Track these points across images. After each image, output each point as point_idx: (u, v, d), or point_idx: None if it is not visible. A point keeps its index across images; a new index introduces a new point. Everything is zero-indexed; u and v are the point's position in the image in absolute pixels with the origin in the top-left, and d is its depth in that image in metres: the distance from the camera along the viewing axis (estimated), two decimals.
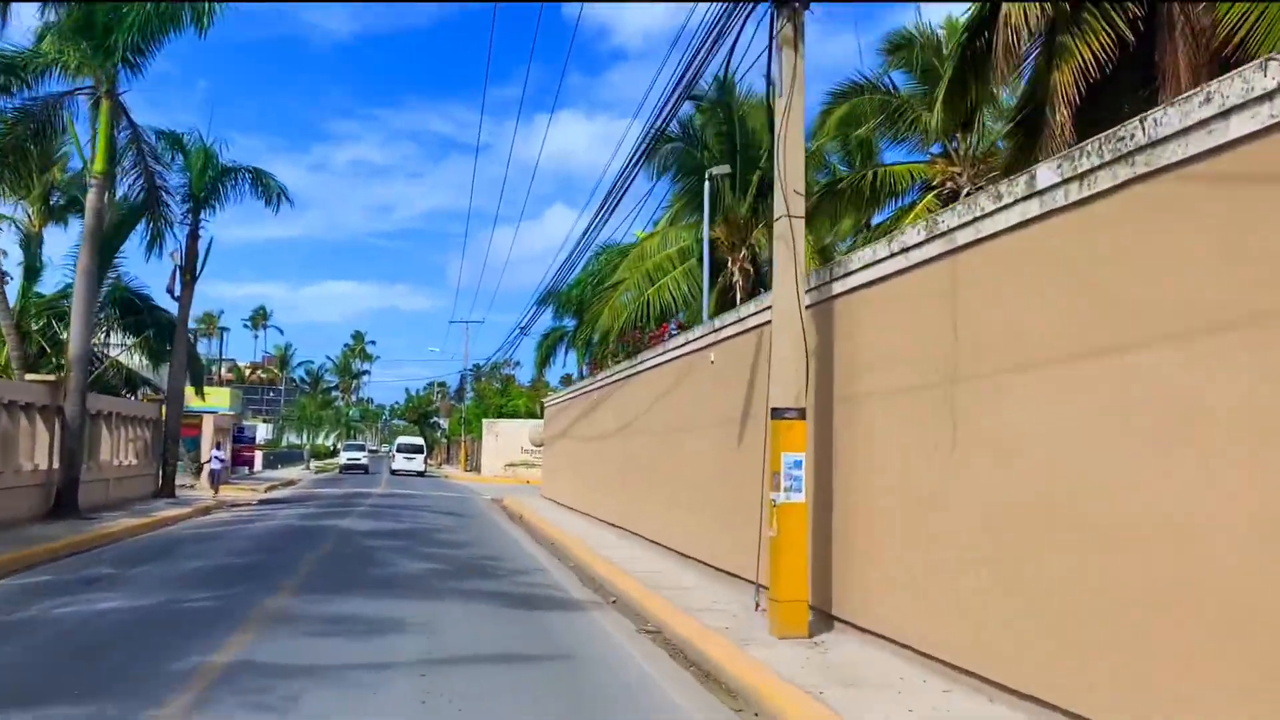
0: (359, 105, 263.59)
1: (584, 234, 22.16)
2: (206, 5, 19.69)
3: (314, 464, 70.64)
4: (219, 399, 44.68)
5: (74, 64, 19.39)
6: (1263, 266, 4.90)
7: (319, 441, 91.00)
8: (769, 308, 11.71)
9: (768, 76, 9.69)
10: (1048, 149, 11.37)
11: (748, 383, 12.54)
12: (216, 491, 29.24)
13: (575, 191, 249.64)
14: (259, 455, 55.98)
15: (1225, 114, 5.09)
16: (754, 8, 10.21)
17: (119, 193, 24.48)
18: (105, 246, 24.07)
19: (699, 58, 11.96)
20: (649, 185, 27.37)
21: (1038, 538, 6.48)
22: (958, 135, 23.34)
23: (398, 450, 63.50)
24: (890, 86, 24.05)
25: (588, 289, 43.81)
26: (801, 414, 9.27)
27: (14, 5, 19.75)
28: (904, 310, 8.47)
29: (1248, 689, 4.85)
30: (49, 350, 26.35)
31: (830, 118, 25.16)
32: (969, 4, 16.54)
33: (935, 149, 24.14)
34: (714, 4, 11.60)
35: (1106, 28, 12.20)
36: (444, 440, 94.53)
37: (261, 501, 30.63)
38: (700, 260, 25.88)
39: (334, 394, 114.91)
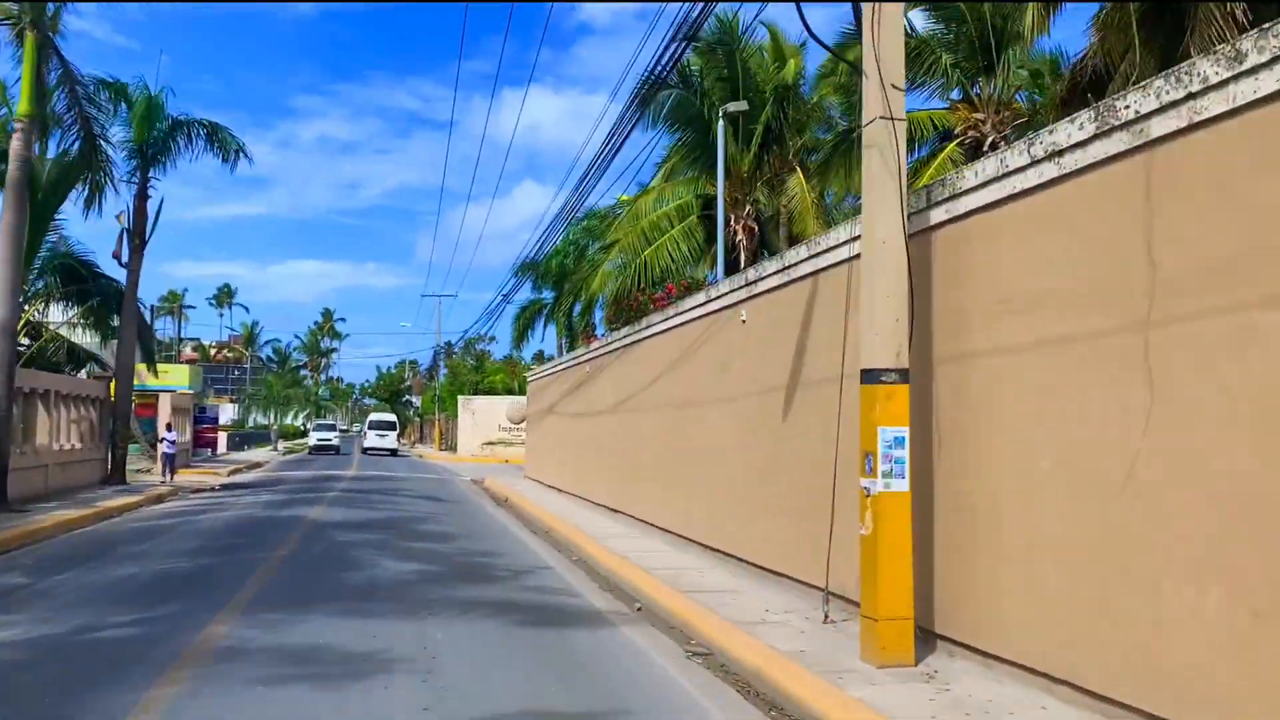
0: (324, 81, 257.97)
1: (580, 181, 19.85)
2: None
3: (282, 445, 67.84)
4: (178, 377, 41.99)
5: None
6: None
7: (287, 421, 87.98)
8: (826, 250, 9.61)
9: None
10: (1203, 37, 9.23)
11: (796, 344, 10.40)
12: (170, 476, 26.76)
13: (543, 168, 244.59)
14: (223, 436, 53.21)
15: None
16: None
17: (56, 147, 21.92)
18: (41, 206, 21.50)
19: None
20: (637, 150, 25.21)
21: None
22: (979, 80, 21.43)
23: (370, 427, 61.93)
24: (908, 27, 22.03)
25: (569, 258, 41.62)
26: (904, 377, 7.14)
27: None
28: (1054, 235, 6.34)
29: None
30: None
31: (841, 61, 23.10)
32: None
33: (955, 94, 22.23)
34: None
35: None
36: (417, 419, 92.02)
37: (223, 486, 28.23)
38: (701, 218, 23.70)
39: (303, 373, 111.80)
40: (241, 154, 26.33)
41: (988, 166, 7.10)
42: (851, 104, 26.53)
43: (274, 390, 79.91)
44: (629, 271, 22.77)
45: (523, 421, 50.11)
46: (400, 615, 8.91)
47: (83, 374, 28.72)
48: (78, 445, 23.94)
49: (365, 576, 11.17)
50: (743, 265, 21.24)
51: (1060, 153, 6.23)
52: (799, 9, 7.69)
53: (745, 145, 23.61)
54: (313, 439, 64.36)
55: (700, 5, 13.11)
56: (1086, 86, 15.66)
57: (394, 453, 58.23)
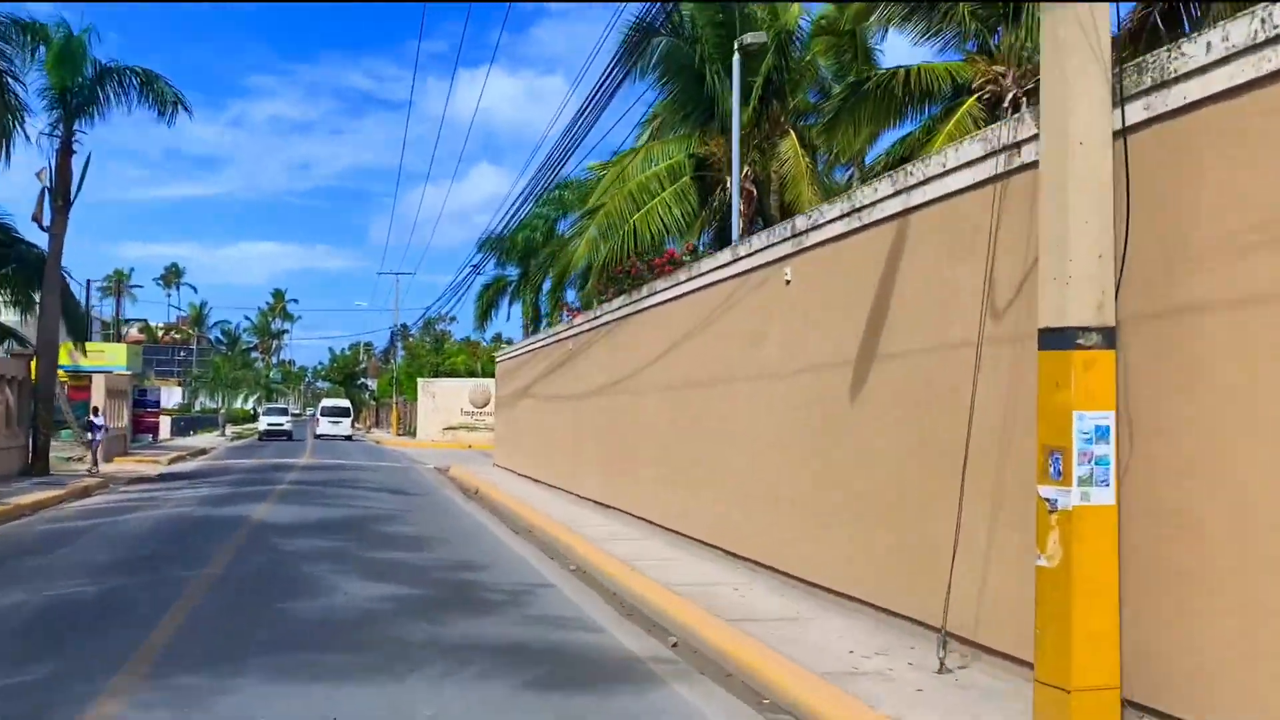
0: (277, 60, 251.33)
1: (570, 127, 17.45)
2: None
3: (231, 430, 64.53)
4: (114, 357, 38.97)
5: None
6: None
7: (237, 405, 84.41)
8: (927, 180, 7.39)
9: None
10: None
11: (870, 306, 8.19)
12: (96, 465, 24.01)
13: (499, 150, 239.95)
14: (167, 421, 50.02)
15: None
16: None
17: None
18: None
19: None
20: (615, 118, 22.91)
21: None
22: (1001, 29, 19.42)
23: (322, 413, 59.41)
24: None
25: (537, 232, 39.23)
26: (1109, 339, 4.94)
27: None
28: None
29: None
30: None
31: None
32: None
33: (971, 46, 20.22)
34: None
35: None
36: (373, 403, 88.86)
37: (161, 476, 25.58)
38: (694, 179, 21.41)
39: (253, 355, 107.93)
40: (180, 106, 23.74)
41: (1212, 38, 4.91)
42: (843, 64, 24.49)
43: (222, 373, 76.43)
44: (617, 237, 20.40)
45: (487, 405, 47.61)
46: (370, 673, 6.50)
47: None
48: None
49: (321, 607, 8.68)
50: (740, 232, 19.13)
51: None
52: None
53: (743, 99, 21.36)
54: (263, 424, 61.56)
55: None
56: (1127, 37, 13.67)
57: (349, 438, 55.63)
